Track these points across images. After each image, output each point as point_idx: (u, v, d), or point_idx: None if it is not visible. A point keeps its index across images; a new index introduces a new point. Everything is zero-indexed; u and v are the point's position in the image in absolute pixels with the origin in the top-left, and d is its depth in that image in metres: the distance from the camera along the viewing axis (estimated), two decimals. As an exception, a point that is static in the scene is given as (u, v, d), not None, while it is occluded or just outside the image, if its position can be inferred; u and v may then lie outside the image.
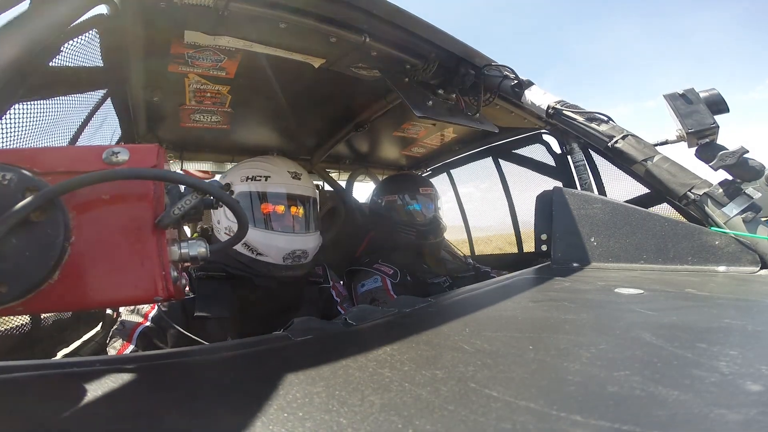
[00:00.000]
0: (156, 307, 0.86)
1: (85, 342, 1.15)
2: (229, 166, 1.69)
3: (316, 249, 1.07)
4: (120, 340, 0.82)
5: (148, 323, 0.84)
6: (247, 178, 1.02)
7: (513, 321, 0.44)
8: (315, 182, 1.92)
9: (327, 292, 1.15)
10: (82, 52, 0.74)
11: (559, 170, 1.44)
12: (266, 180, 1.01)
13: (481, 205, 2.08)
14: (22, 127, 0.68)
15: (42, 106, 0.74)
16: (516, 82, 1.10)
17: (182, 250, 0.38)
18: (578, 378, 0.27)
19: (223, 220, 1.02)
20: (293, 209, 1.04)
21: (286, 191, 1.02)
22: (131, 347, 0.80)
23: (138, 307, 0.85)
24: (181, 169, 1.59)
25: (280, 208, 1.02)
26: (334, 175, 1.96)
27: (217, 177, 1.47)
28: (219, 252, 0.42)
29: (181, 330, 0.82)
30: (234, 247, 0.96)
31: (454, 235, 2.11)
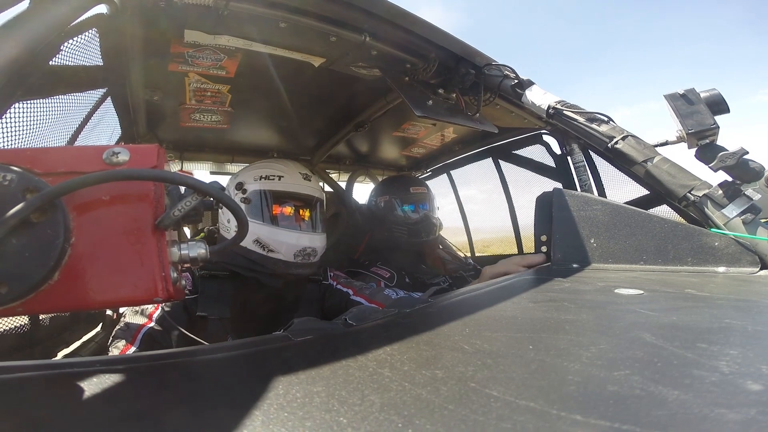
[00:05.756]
0: (160, 307, 0.86)
1: (85, 343, 1.15)
2: (229, 166, 1.69)
3: (324, 249, 1.10)
4: (123, 341, 0.82)
5: (152, 324, 0.84)
6: (261, 177, 1.05)
7: (513, 321, 0.44)
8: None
9: (326, 288, 1.16)
10: (82, 51, 0.74)
11: (559, 171, 1.43)
12: (279, 179, 1.05)
13: (482, 206, 2.08)
14: (22, 126, 0.67)
15: (42, 105, 0.74)
16: (516, 81, 1.10)
17: (182, 252, 0.38)
18: (578, 378, 0.27)
19: (233, 219, 1.03)
20: (303, 209, 1.08)
21: (298, 191, 1.06)
22: (133, 349, 0.80)
23: (142, 307, 0.85)
24: (181, 170, 1.59)
25: (292, 208, 1.07)
26: (334, 175, 1.97)
27: (216, 178, 1.47)
28: (219, 253, 0.42)
29: (184, 331, 0.82)
30: (245, 246, 0.99)
31: (454, 236, 2.11)
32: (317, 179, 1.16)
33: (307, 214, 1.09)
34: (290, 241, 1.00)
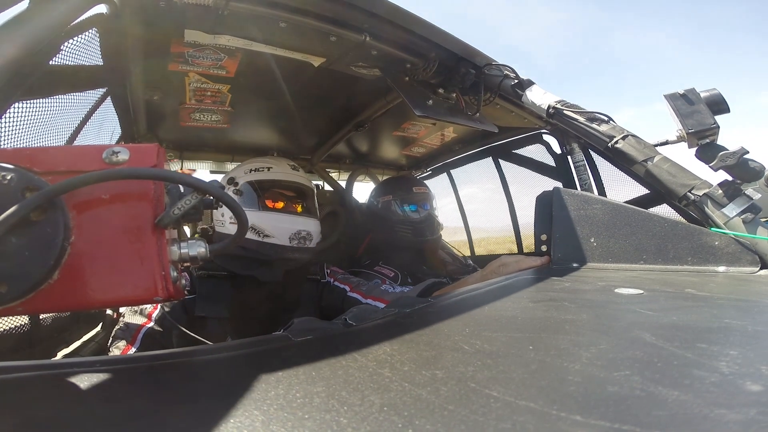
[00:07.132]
0: (159, 307, 0.86)
1: (85, 342, 1.15)
2: (229, 165, 1.69)
3: (319, 235, 1.13)
4: (123, 342, 0.82)
5: (151, 324, 0.84)
6: (251, 170, 1.11)
7: (513, 321, 0.44)
8: (315, 182, 1.93)
9: (323, 285, 1.17)
10: (82, 51, 0.74)
11: (559, 170, 1.43)
12: (268, 170, 1.11)
13: (482, 206, 2.08)
14: (22, 126, 0.68)
15: (42, 105, 0.74)
16: (516, 81, 1.10)
17: (182, 250, 0.38)
18: (578, 378, 0.27)
19: (227, 212, 1.05)
20: (294, 196, 1.14)
21: (287, 179, 1.12)
22: (134, 349, 0.80)
23: (141, 307, 0.86)
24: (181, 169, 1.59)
25: (283, 194, 1.12)
26: (334, 175, 1.97)
27: (216, 177, 1.47)
28: (219, 252, 0.42)
29: (185, 330, 0.82)
30: None
31: (454, 236, 2.11)
32: (305, 173, 1.22)
33: (300, 199, 1.15)
34: (285, 225, 1.05)
